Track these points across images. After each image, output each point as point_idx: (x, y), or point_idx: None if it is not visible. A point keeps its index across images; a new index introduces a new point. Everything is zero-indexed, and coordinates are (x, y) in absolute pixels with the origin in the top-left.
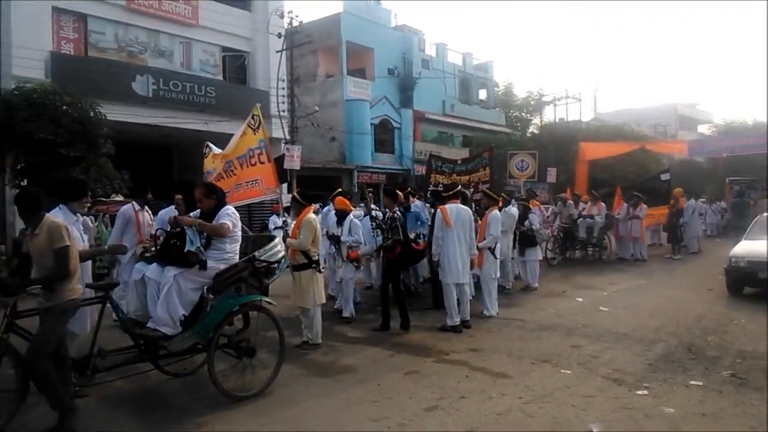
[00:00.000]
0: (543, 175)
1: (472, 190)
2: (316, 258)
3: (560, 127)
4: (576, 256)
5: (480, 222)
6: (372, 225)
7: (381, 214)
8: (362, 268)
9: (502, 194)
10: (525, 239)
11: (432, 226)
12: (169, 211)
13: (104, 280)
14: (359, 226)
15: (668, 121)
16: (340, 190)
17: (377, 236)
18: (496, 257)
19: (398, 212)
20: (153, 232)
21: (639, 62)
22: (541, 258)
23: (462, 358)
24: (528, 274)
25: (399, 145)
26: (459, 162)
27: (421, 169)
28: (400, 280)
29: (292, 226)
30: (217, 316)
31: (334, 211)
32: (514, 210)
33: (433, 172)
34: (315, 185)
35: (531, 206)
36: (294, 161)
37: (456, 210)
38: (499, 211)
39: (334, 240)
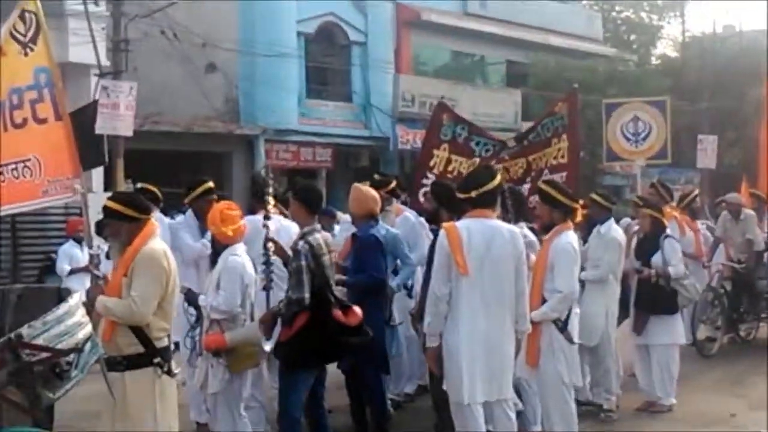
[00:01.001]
0: (688, 154)
1: (528, 184)
2: (165, 344)
3: (725, 45)
4: (760, 334)
5: (535, 262)
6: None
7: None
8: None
9: (594, 195)
10: (652, 298)
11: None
12: None
13: None
14: (239, 271)
15: None
16: (207, 185)
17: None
18: (572, 341)
19: (311, 240)
20: None
21: None
22: (683, 341)
23: None
24: (655, 375)
25: (363, 83)
26: (510, 144)
27: (412, 136)
28: (297, 394)
29: (110, 269)
30: None
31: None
32: (617, 232)
33: (443, 145)
34: (170, 173)
35: (665, 220)
36: (120, 118)
37: (485, 234)
38: (582, 234)
39: (191, 301)
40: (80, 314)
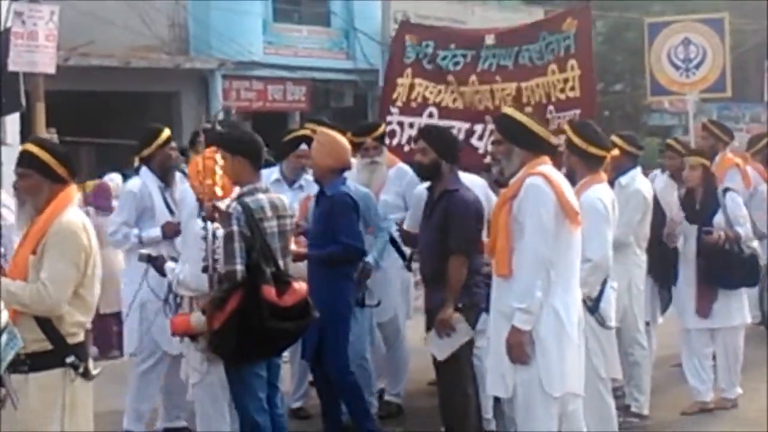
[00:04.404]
0: (754, 85)
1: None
2: (80, 339)
3: None
4: None
5: None
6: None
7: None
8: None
9: (616, 138)
10: (726, 268)
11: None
12: None
13: None
14: (192, 238)
15: None
16: (166, 134)
17: None
18: (606, 325)
19: (249, 201)
20: None
21: None
22: (749, 320)
23: None
24: (720, 364)
25: (344, 1)
26: (489, 41)
27: None
28: (250, 394)
29: (18, 239)
30: None
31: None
32: (642, 184)
33: (405, 71)
34: (104, 119)
35: (726, 166)
36: (40, 51)
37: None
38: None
39: (158, 268)
40: None
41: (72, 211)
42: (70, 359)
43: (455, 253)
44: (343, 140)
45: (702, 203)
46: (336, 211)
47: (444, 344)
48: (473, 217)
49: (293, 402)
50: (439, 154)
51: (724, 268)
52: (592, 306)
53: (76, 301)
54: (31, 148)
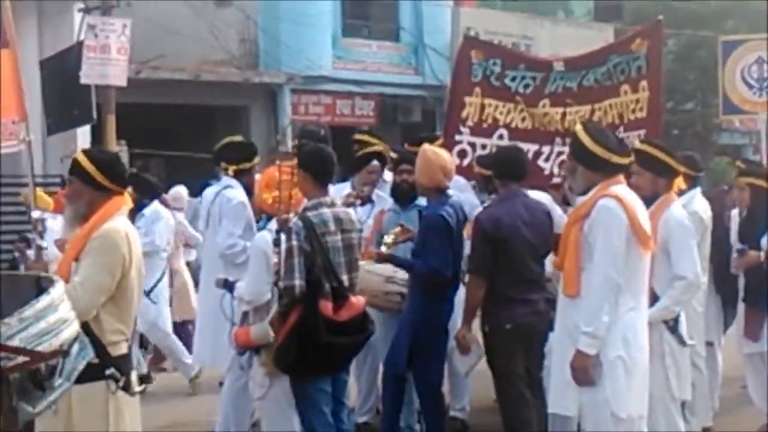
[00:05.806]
0: None
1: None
2: (122, 352)
3: None
4: None
5: None
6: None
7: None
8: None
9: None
10: (752, 287)
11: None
12: None
13: None
14: (263, 249)
15: None
16: (232, 141)
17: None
18: (684, 343)
19: (311, 216)
20: None
21: None
22: None
23: None
24: None
25: (414, 17)
26: (558, 67)
27: None
28: (315, 410)
29: (66, 247)
30: None
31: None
32: (700, 206)
33: (475, 89)
34: (173, 131)
35: None
36: (112, 65)
37: (639, 204)
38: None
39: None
40: (65, 309)
41: (117, 220)
42: (109, 371)
43: (470, 273)
44: (442, 159)
45: (750, 223)
46: (426, 232)
47: (464, 360)
48: (482, 237)
49: (359, 417)
50: (491, 168)
51: (762, 288)
52: (673, 325)
53: (112, 309)
54: (78, 155)
